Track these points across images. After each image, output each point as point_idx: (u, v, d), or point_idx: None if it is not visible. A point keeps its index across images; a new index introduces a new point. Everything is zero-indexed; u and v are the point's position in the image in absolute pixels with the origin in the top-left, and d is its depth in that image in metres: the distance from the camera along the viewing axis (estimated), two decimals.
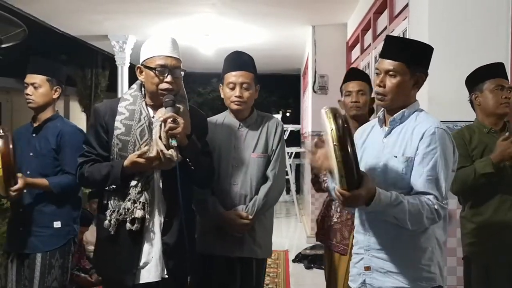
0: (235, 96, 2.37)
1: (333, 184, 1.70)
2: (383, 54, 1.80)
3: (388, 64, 1.76)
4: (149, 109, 2.08)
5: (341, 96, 2.71)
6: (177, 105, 2.00)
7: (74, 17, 6.23)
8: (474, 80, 2.45)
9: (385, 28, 3.94)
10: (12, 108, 11.61)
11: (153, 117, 2.05)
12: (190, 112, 2.10)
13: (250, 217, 2.33)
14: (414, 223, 1.65)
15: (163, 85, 2.00)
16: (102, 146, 2.07)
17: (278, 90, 14.30)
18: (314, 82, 6.34)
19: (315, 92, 6.36)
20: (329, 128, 1.55)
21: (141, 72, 2.06)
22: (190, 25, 6.45)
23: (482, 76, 2.42)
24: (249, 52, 2.48)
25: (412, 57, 1.75)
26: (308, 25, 6.43)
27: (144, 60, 2.05)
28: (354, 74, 2.76)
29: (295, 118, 12.05)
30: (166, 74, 2.00)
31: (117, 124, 2.04)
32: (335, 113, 1.58)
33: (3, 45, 5.53)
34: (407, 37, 3.24)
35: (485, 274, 2.34)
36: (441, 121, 2.63)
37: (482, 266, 2.36)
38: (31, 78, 2.61)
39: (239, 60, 2.42)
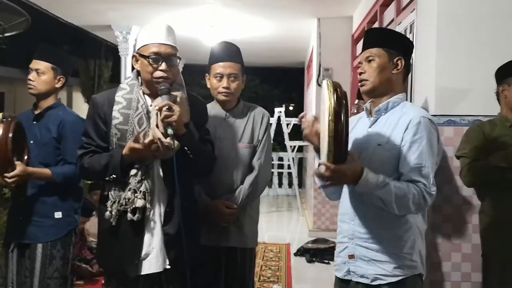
0: (223, 87, 2.38)
1: (320, 161, 1.72)
2: (363, 47, 1.90)
3: (366, 52, 1.86)
4: (147, 97, 2.05)
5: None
6: (174, 93, 1.97)
7: (78, 6, 6.19)
8: (504, 73, 2.40)
9: (392, 20, 3.89)
10: (15, 98, 11.61)
11: (150, 105, 2.02)
12: (189, 100, 2.07)
13: (235, 206, 2.34)
14: (400, 206, 1.69)
15: (158, 73, 1.97)
16: (101, 137, 2.04)
17: (281, 83, 14.27)
18: (319, 75, 6.30)
19: (319, 85, 6.32)
20: (327, 101, 1.57)
21: (136, 60, 2.03)
22: (195, 16, 6.41)
23: None
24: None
25: (386, 41, 1.85)
26: (313, 17, 6.38)
27: (138, 48, 2.02)
28: None
29: (298, 111, 12.01)
30: (160, 62, 1.96)
31: (114, 113, 2.01)
32: (336, 88, 1.59)
33: (6, 34, 5.51)
34: (413, 29, 3.21)
35: (503, 270, 2.31)
36: (448, 115, 2.65)
37: (499, 262, 2.33)
38: (35, 63, 2.58)
39: (226, 51, 2.42)
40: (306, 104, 9.45)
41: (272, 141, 2.56)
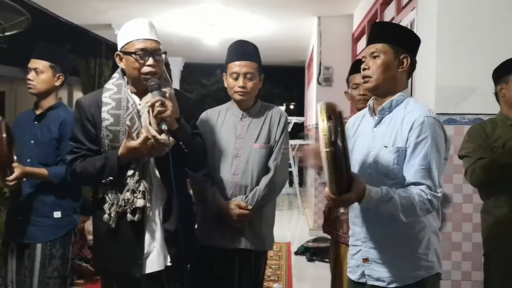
0: (239, 86, 2.34)
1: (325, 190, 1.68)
2: (368, 41, 1.84)
3: (371, 47, 1.80)
4: (134, 96, 2.03)
5: (347, 88, 2.67)
6: (163, 89, 1.95)
7: (78, 5, 6.19)
8: (501, 72, 2.40)
9: (392, 19, 3.88)
10: (15, 97, 11.61)
11: (139, 104, 2.00)
12: (176, 95, 2.05)
13: (250, 207, 2.29)
14: (407, 215, 1.66)
15: (146, 69, 1.95)
16: (91, 140, 2.00)
17: (282, 82, 14.27)
18: (319, 74, 6.30)
19: (320, 84, 6.32)
20: (322, 131, 1.52)
21: (120, 59, 2.01)
22: (195, 14, 6.41)
23: (509, 67, 2.37)
24: (254, 43, 2.44)
25: (393, 37, 1.79)
26: (313, 16, 6.38)
27: (122, 46, 1.98)
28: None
29: (299, 110, 12.02)
30: (147, 58, 1.95)
31: (104, 115, 1.98)
32: (330, 114, 1.53)
33: (7, 33, 5.51)
34: (413, 28, 3.20)
35: (505, 270, 2.30)
36: (449, 114, 2.65)
37: (502, 261, 2.32)
38: (34, 63, 2.58)
39: (243, 50, 2.39)
40: (306, 103, 9.45)
41: None
